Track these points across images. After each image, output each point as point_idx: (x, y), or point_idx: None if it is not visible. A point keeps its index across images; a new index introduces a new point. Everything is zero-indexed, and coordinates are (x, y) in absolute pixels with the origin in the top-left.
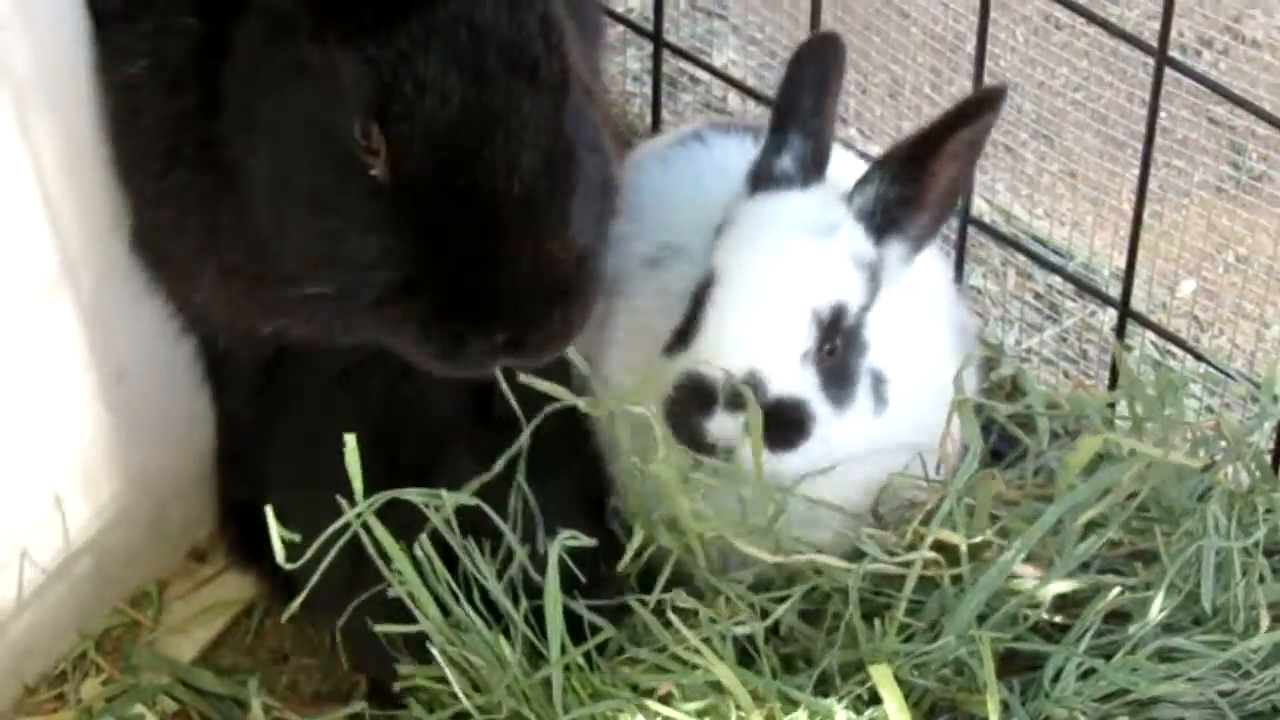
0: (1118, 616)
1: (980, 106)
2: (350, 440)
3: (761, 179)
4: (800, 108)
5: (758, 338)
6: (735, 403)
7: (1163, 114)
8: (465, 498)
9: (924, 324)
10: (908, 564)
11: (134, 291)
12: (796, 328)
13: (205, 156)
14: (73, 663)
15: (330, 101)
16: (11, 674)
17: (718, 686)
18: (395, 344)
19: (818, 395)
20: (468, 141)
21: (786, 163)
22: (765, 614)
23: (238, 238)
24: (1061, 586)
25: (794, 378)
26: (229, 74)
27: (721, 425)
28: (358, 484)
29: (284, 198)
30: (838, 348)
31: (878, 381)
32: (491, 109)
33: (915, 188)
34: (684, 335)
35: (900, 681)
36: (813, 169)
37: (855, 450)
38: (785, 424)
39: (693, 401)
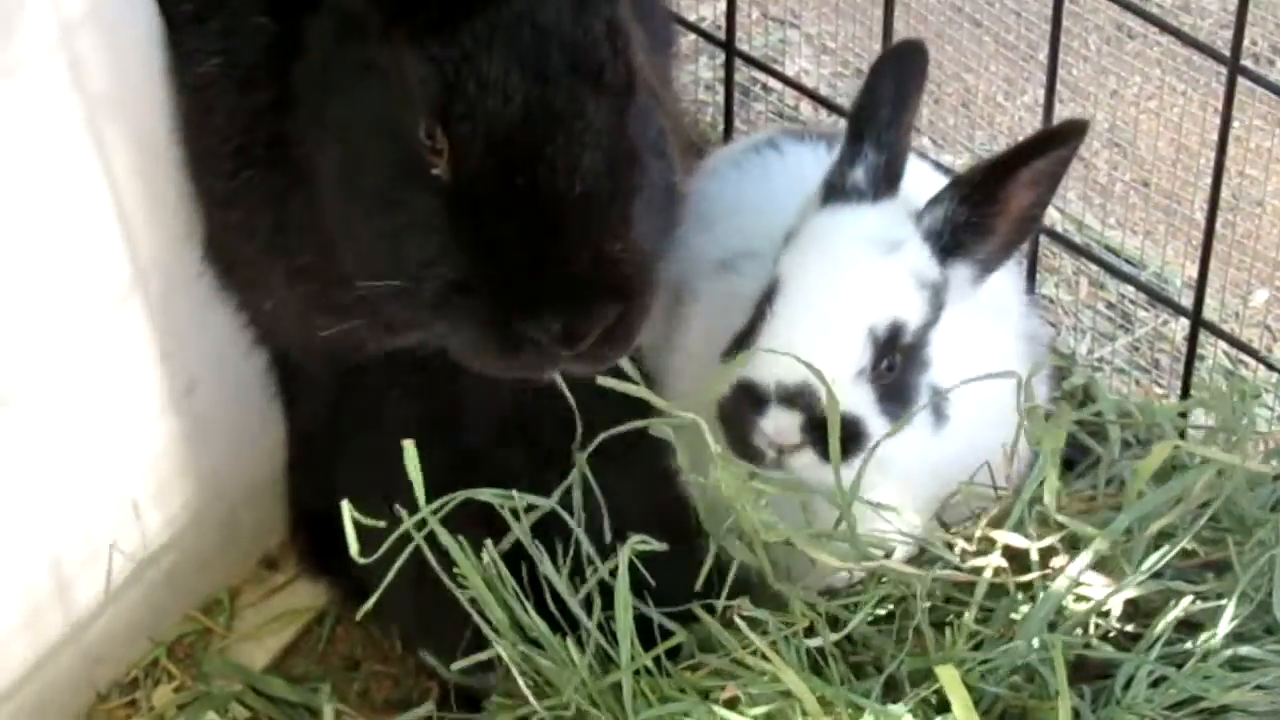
0: (1189, 625)
1: (1057, 138)
2: (409, 446)
3: (833, 190)
4: (877, 119)
5: (815, 349)
6: (789, 401)
7: (1235, 123)
8: (539, 500)
9: (991, 338)
10: (978, 570)
11: (205, 301)
12: (851, 344)
13: (275, 156)
14: (144, 670)
15: (397, 101)
16: (84, 681)
17: (786, 693)
18: (455, 345)
19: (872, 411)
20: (529, 141)
21: (859, 175)
22: (834, 621)
23: (305, 238)
24: (1133, 593)
25: (847, 393)
26: (300, 72)
27: (776, 421)
28: (419, 487)
29: (350, 195)
30: (896, 365)
31: (938, 398)
32: (554, 109)
33: (985, 213)
34: (742, 342)
35: (969, 688)
36: (884, 183)
37: (914, 465)
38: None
39: (745, 403)
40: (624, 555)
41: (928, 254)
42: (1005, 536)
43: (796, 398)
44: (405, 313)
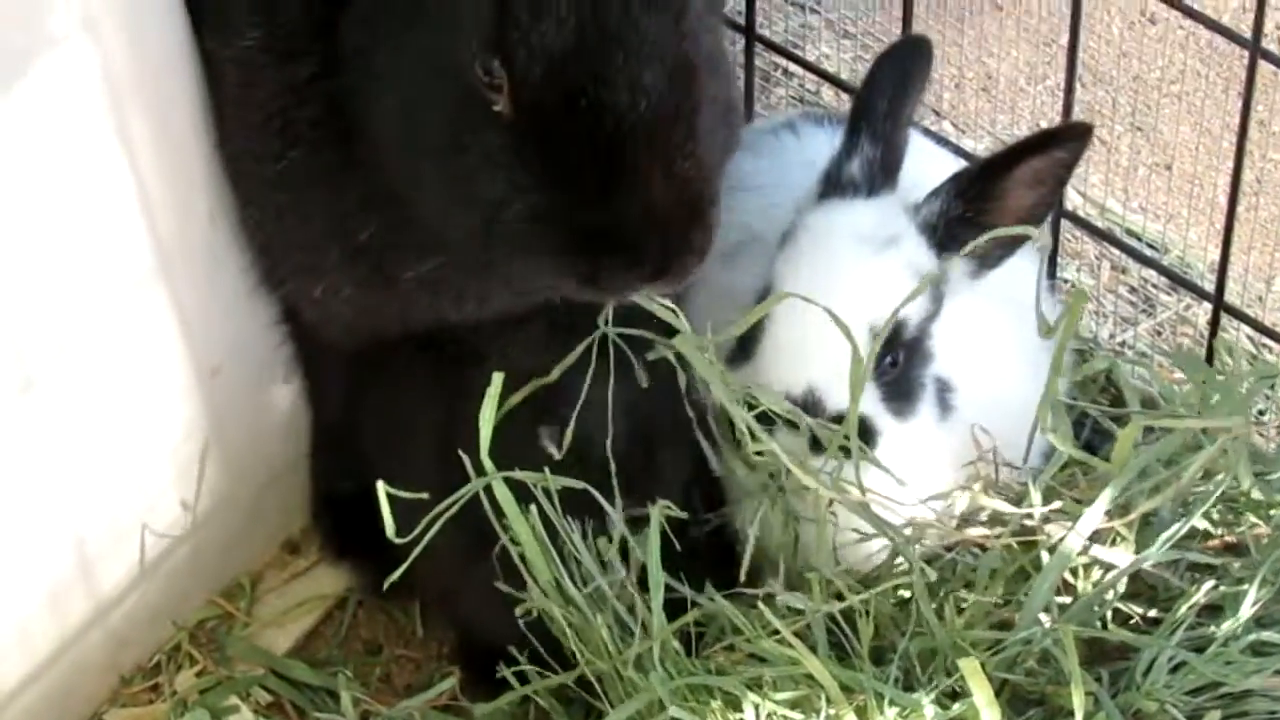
0: (1209, 610)
1: (1056, 138)
2: (497, 381)
3: (830, 184)
4: (875, 111)
5: (815, 355)
6: (792, 423)
7: (1258, 106)
8: (571, 481)
9: (999, 327)
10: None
11: (231, 286)
12: (855, 344)
13: (323, 132)
14: (167, 654)
15: (449, 40)
16: (108, 665)
17: (808, 676)
18: (534, 280)
19: (879, 408)
20: (588, 63)
21: (855, 168)
22: (852, 611)
23: (367, 212)
24: (1143, 564)
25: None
26: (347, 25)
27: (782, 440)
28: (486, 436)
29: (412, 146)
30: (899, 360)
31: (943, 389)
32: (609, 28)
33: (979, 209)
34: (746, 346)
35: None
36: (880, 176)
37: (923, 456)
38: (846, 439)
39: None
40: (655, 516)
41: (925, 247)
42: (992, 502)
43: (803, 408)
44: (478, 262)
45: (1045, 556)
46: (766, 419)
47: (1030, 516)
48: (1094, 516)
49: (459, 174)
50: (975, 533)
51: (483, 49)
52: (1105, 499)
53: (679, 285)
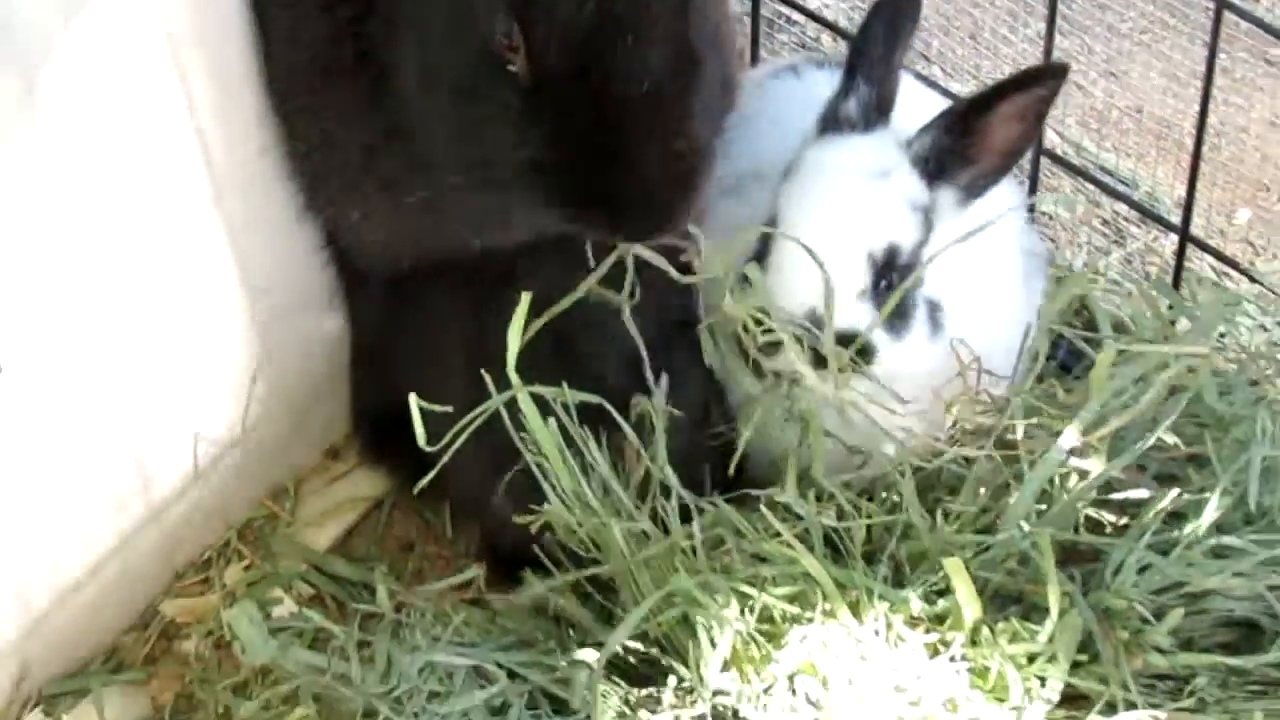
0: (1174, 516)
1: (1036, 77)
2: (524, 300)
3: (828, 121)
4: (869, 56)
5: (818, 278)
6: (797, 337)
7: (1222, 55)
8: (588, 395)
9: (986, 252)
10: (968, 460)
11: (278, 216)
12: (853, 268)
13: (360, 69)
14: (217, 550)
15: (476, 3)
16: (164, 561)
17: (807, 576)
18: (528, 219)
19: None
20: (599, 43)
21: (851, 107)
22: (846, 514)
23: (392, 144)
24: (1114, 471)
25: (853, 314)
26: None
27: (786, 359)
28: (514, 352)
29: (432, 92)
30: (895, 283)
31: (934, 310)
32: (621, 14)
33: (966, 143)
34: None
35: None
36: (876, 114)
37: (916, 370)
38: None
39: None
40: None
41: (916, 178)
42: (978, 418)
43: (808, 331)
44: (487, 198)
45: (1026, 469)
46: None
47: (1013, 430)
48: (1072, 434)
49: (471, 122)
50: (962, 450)
51: (504, 15)
52: (1083, 418)
53: (655, 240)
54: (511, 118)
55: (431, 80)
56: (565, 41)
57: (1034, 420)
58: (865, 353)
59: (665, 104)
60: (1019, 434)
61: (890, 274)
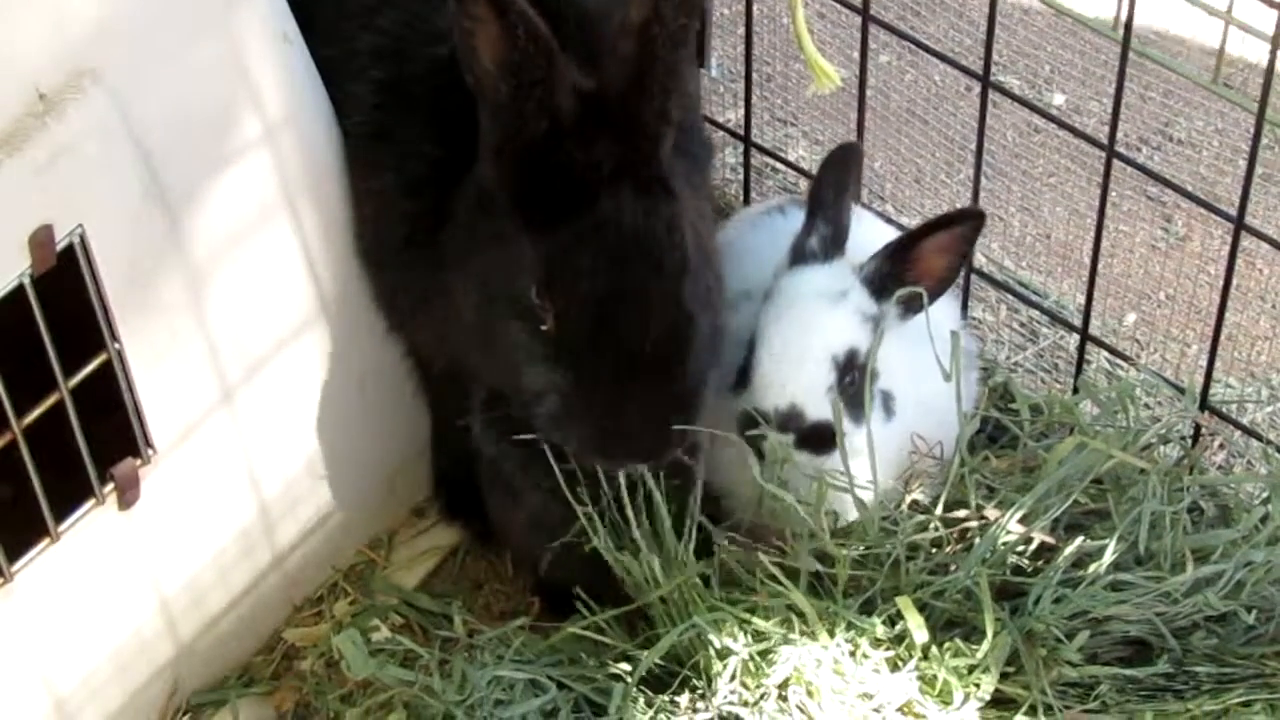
0: (1082, 558)
1: (954, 220)
2: None
3: (797, 254)
4: (824, 201)
5: (795, 380)
6: (782, 426)
7: (1112, 193)
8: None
9: (928, 351)
10: (927, 527)
11: (370, 325)
12: (822, 370)
13: (433, 242)
14: (328, 589)
15: (517, 269)
16: (285, 598)
17: (791, 607)
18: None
19: (843, 416)
20: (611, 312)
21: (814, 243)
22: (830, 559)
23: (444, 307)
24: (1042, 536)
25: (823, 406)
26: (448, 234)
27: (775, 441)
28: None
29: (482, 326)
30: (855, 379)
31: (886, 399)
32: (629, 289)
33: (904, 269)
34: (743, 376)
35: (925, 605)
36: (832, 247)
37: (875, 448)
38: (820, 439)
39: (753, 426)
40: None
41: (867, 295)
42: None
43: (788, 419)
44: (522, 415)
45: (979, 533)
46: (754, 424)
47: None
48: (1017, 514)
49: (510, 364)
50: (920, 519)
51: (537, 285)
52: (1038, 493)
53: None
54: (543, 367)
55: (483, 319)
56: (584, 309)
57: (983, 490)
58: (832, 437)
59: (663, 360)
60: (971, 503)
61: (852, 372)
